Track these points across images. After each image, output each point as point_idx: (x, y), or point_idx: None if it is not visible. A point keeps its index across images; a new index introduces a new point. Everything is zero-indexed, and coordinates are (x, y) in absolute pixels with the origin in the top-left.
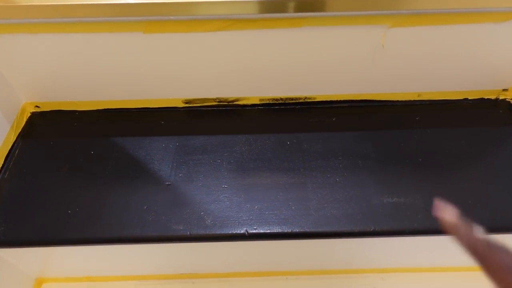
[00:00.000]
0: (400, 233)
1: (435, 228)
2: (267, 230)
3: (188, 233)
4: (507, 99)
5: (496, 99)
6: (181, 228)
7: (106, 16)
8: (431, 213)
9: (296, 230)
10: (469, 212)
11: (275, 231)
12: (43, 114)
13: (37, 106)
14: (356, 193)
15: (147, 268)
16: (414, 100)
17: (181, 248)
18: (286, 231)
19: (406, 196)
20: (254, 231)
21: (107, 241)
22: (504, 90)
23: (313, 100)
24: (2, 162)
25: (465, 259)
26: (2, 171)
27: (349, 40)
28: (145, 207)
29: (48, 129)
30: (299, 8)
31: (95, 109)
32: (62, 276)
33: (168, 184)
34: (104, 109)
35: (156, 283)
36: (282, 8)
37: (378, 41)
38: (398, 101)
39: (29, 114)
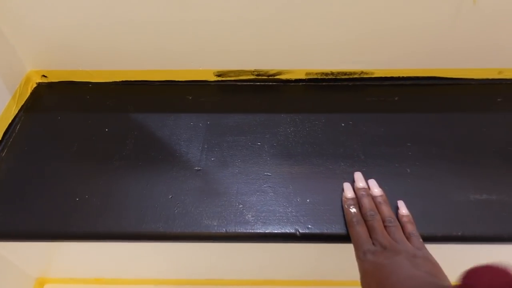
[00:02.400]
0: (497, 240)
1: None
2: (324, 230)
3: (224, 230)
4: None
5: None
6: (215, 223)
7: None
8: None
9: None
10: None
11: (334, 231)
12: (50, 85)
13: (44, 76)
14: (433, 187)
15: (169, 271)
16: (493, 79)
17: (212, 249)
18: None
19: (498, 192)
20: (307, 231)
21: (122, 237)
22: None
23: (370, 76)
24: (0, 138)
25: None
26: (0, 149)
27: None
28: (170, 197)
29: (56, 102)
30: None
31: (111, 80)
32: (67, 277)
33: (198, 170)
34: (122, 81)
35: None
36: None
37: None
38: (472, 79)
39: (34, 85)
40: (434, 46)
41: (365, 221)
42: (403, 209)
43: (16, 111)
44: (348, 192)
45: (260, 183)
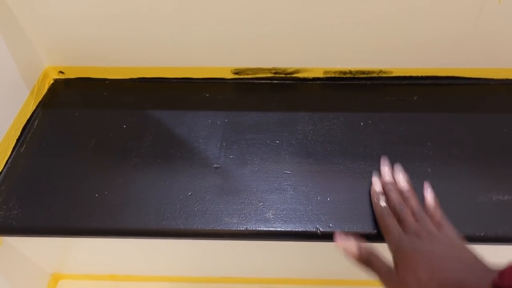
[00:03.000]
0: None
1: None
2: (345, 228)
3: (245, 227)
4: None
5: None
6: (235, 221)
7: None
8: None
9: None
10: None
11: (356, 230)
12: (68, 81)
13: (61, 72)
14: (455, 187)
15: (188, 269)
16: None
17: (232, 246)
18: (369, 231)
19: None
20: (328, 229)
21: (142, 233)
22: None
23: (389, 75)
24: (18, 134)
25: None
26: (18, 144)
27: None
28: (189, 194)
29: (73, 99)
30: None
31: (128, 77)
32: (83, 273)
33: (217, 167)
34: (139, 78)
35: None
36: None
37: None
38: (492, 79)
39: (51, 81)
40: (454, 45)
41: (395, 215)
42: (430, 199)
43: (34, 107)
44: (377, 186)
45: (280, 181)
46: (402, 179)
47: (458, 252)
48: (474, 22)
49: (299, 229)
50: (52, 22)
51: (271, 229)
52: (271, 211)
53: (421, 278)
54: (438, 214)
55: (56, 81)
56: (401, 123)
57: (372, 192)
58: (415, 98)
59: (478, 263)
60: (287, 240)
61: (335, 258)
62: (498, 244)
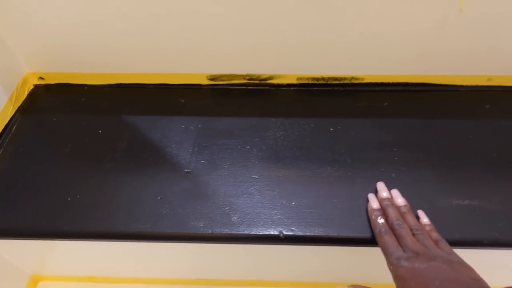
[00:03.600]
0: (477, 244)
1: None
2: (307, 232)
3: (210, 231)
4: None
5: None
6: (201, 224)
7: None
8: None
9: (344, 234)
10: None
11: (318, 234)
12: (47, 87)
13: (41, 78)
14: (417, 192)
15: (159, 271)
16: (482, 86)
17: (200, 249)
18: (331, 234)
19: (481, 198)
20: (291, 233)
21: (112, 236)
22: None
23: (360, 82)
24: None
25: None
26: None
27: (413, 3)
28: (159, 198)
29: (52, 104)
30: None
31: (106, 83)
32: (61, 274)
33: (187, 172)
34: (117, 83)
35: None
36: None
37: (454, 4)
38: (461, 85)
39: (31, 87)
40: (424, 52)
41: (393, 231)
42: (425, 219)
43: (13, 113)
44: (374, 203)
45: (247, 186)
46: (398, 195)
47: (456, 273)
48: (440, 30)
49: (263, 233)
50: (31, 29)
51: (235, 232)
52: (236, 215)
53: None
54: (434, 231)
55: (36, 86)
56: (370, 129)
57: (369, 210)
58: (385, 104)
59: (476, 283)
60: (251, 243)
61: (303, 260)
62: (455, 248)
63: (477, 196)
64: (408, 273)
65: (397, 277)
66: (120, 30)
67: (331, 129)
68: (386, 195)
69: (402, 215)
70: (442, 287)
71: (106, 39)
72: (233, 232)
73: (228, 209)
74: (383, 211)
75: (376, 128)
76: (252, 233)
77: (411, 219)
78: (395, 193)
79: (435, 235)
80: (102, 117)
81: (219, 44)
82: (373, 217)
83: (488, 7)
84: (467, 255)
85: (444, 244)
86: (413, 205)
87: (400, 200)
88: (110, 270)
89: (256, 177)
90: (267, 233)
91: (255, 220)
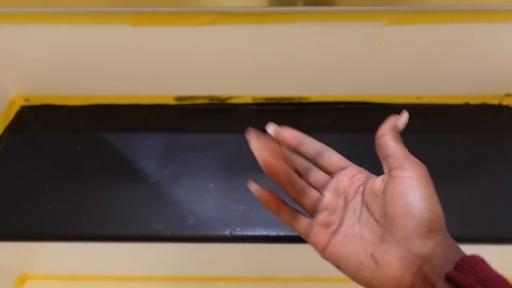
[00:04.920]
0: None
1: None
2: (250, 232)
3: (169, 232)
4: (510, 105)
5: (499, 105)
6: (162, 227)
7: (93, 6)
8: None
9: (282, 233)
10: (473, 222)
11: (260, 233)
12: (33, 108)
13: (26, 100)
14: None
15: (131, 269)
16: (413, 104)
17: (164, 249)
18: (271, 234)
19: None
20: (238, 233)
21: (87, 238)
22: (508, 95)
23: (307, 101)
24: None
25: None
26: None
27: (345, 37)
28: (127, 205)
29: (36, 124)
30: (291, 2)
31: (84, 104)
32: (46, 273)
33: (153, 182)
34: (94, 104)
35: (140, 285)
36: (273, 2)
37: (375, 40)
38: (396, 104)
39: (18, 107)
40: (359, 76)
41: None
42: None
43: (1, 131)
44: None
45: (204, 194)
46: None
47: None
48: (369, 60)
49: (214, 233)
50: (17, 59)
51: (190, 233)
52: (192, 219)
53: None
54: None
55: (23, 107)
56: None
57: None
58: (328, 121)
59: None
60: (204, 242)
61: (252, 257)
62: None
63: None
64: None
65: None
66: (96, 58)
67: None
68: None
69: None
70: None
71: (83, 67)
72: (189, 233)
73: (186, 213)
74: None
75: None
76: (205, 233)
77: None
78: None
79: None
80: (80, 134)
81: (185, 69)
82: None
83: (402, 39)
84: None
85: None
86: None
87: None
88: (89, 268)
89: (211, 186)
90: (218, 233)
91: (208, 223)
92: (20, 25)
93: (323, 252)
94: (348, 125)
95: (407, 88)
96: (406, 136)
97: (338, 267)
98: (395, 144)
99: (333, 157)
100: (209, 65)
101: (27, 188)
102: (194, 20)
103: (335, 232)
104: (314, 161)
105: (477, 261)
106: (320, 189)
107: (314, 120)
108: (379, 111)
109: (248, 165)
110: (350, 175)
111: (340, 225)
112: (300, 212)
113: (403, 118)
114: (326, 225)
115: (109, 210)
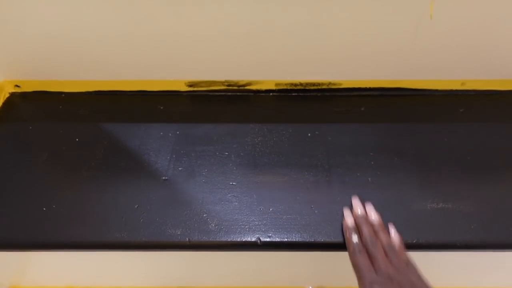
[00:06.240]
0: (450, 247)
1: (495, 242)
2: (284, 238)
3: (187, 239)
4: None
5: None
6: (179, 232)
7: None
8: (486, 223)
9: (320, 239)
10: None
11: (295, 239)
12: (24, 95)
13: (17, 86)
14: (393, 196)
15: (137, 279)
16: (457, 90)
17: (178, 257)
18: (308, 240)
19: (455, 201)
20: (268, 239)
21: (89, 246)
22: None
23: (338, 87)
24: None
25: None
26: None
27: (388, 7)
28: (136, 206)
29: (28, 112)
30: None
31: (84, 90)
32: (39, 285)
33: (165, 179)
34: (95, 91)
35: None
36: None
37: (425, 11)
38: (436, 90)
39: (7, 95)
40: (399, 58)
41: (366, 249)
42: (394, 234)
43: None
44: (349, 220)
45: (225, 193)
46: (373, 212)
47: None
48: (413, 36)
49: (241, 240)
50: (6, 38)
51: (212, 240)
52: (214, 222)
53: None
54: (403, 251)
55: (12, 94)
56: (347, 134)
57: (344, 227)
58: (362, 109)
59: None
60: (228, 251)
61: (283, 266)
62: (429, 251)
63: (451, 199)
64: None
65: None
66: (97, 37)
67: (309, 135)
68: (361, 212)
69: (375, 232)
70: None
71: (83, 46)
72: (210, 239)
73: (206, 216)
74: (357, 228)
75: (353, 133)
76: (230, 240)
77: (384, 237)
78: (369, 208)
79: (404, 257)
80: (79, 125)
81: (198, 51)
82: (348, 235)
83: (458, 12)
84: (441, 257)
85: (412, 267)
86: (389, 209)
87: (374, 217)
88: (88, 280)
89: (234, 183)
90: (244, 240)
91: (232, 227)
92: None
93: None
94: (386, 113)
95: (450, 72)
96: (451, 126)
97: None
98: None
99: None
100: (226, 45)
101: (17, 188)
102: None
103: None
104: None
105: None
106: None
107: (346, 108)
108: (417, 98)
109: (274, 158)
110: None
111: None
112: None
113: None
114: None
115: (114, 213)
